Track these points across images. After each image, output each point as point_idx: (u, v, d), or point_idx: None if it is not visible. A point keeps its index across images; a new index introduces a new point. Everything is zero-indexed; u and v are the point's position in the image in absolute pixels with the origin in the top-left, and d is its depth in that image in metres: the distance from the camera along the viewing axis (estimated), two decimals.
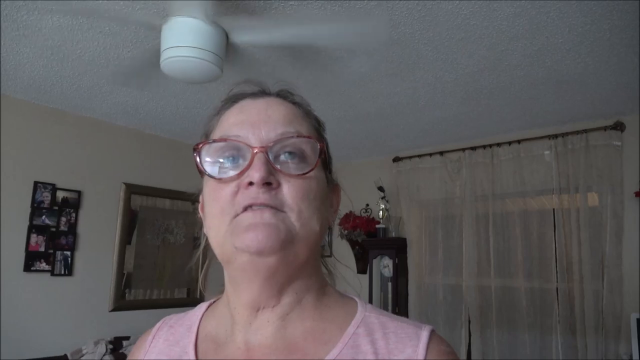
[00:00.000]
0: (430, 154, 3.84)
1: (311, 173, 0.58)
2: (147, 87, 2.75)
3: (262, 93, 0.65)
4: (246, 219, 0.55)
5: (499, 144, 3.49)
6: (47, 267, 3.10)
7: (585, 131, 3.11)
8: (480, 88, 2.69)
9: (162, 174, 3.77)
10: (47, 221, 3.13)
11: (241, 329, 0.60)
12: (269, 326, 0.59)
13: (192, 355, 0.62)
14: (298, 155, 0.58)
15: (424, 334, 0.57)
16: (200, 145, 0.60)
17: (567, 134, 3.19)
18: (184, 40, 1.81)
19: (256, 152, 0.56)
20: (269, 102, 0.63)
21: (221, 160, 0.59)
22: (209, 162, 0.60)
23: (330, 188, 0.66)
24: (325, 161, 0.64)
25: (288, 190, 0.56)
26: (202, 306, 0.71)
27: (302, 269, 0.59)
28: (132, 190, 3.60)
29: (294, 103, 0.65)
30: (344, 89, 2.77)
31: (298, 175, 0.57)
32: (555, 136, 3.23)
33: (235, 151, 0.59)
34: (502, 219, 3.44)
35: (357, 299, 0.65)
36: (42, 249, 3.09)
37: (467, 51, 2.26)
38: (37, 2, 1.91)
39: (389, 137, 3.73)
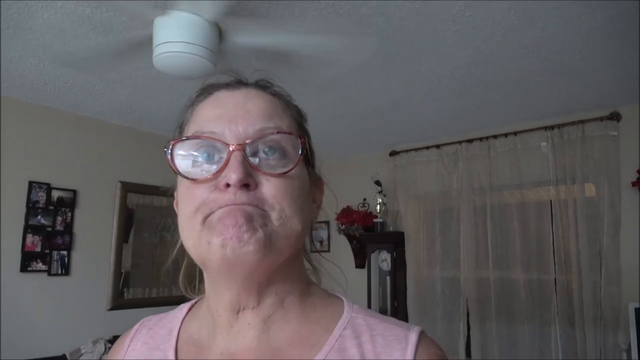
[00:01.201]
0: (427, 147, 3.83)
1: (292, 171, 0.55)
2: (142, 85, 2.72)
3: (240, 83, 0.61)
4: (223, 210, 0.52)
5: (495, 136, 3.48)
6: (43, 267, 3.08)
7: (582, 122, 3.11)
8: (475, 81, 2.68)
9: (158, 171, 3.72)
10: (42, 221, 3.11)
11: (223, 333, 0.58)
12: (251, 329, 0.57)
13: (172, 359, 0.59)
14: (278, 152, 0.55)
15: (413, 336, 0.55)
16: (173, 143, 0.56)
17: (563, 125, 3.18)
18: (177, 35, 1.79)
19: (233, 151, 0.53)
20: (247, 94, 0.59)
21: (195, 156, 0.55)
22: (182, 159, 0.56)
23: (312, 183, 0.63)
24: (307, 156, 0.61)
25: (268, 190, 0.53)
26: (184, 308, 0.68)
27: (282, 269, 0.57)
28: (128, 188, 3.58)
29: (274, 94, 0.61)
30: (338, 85, 2.75)
31: (279, 174, 0.54)
32: (552, 127, 3.23)
33: (210, 148, 0.55)
34: (500, 212, 3.44)
35: (343, 298, 0.62)
36: (39, 249, 3.07)
37: (461, 44, 2.24)
38: (28, 2, 1.88)
39: (385, 131, 3.71)
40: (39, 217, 3.09)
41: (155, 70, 1.98)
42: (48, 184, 3.15)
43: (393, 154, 4.02)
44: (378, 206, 3.95)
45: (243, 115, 0.56)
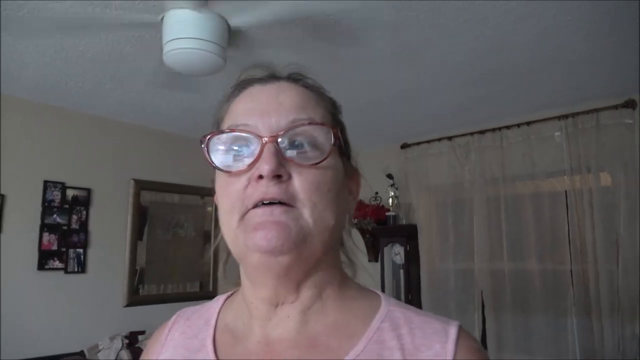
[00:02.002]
0: (439, 139, 3.80)
1: (325, 162, 0.55)
2: (153, 83, 2.73)
3: (272, 77, 0.62)
4: (256, 216, 0.53)
5: (508, 127, 3.44)
6: (60, 265, 3.13)
7: (596, 110, 3.06)
8: (487, 71, 2.65)
9: (171, 169, 3.77)
10: (58, 220, 3.15)
11: (260, 324, 0.59)
12: (290, 321, 0.57)
13: (210, 348, 0.61)
14: (311, 143, 0.55)
15: (452, 330, 0.55)
16: (208, 137, 0.58)
17: (577, 114, 3.14)
18: (185, 31, 1.79)
19: (265, 142, 0.54)
20: (279, 87, 0.60)
21: (232, 148, 0.57)
22: (218, 153, 0.57)
23: (348, 175, 0.63)
24: (341, 147, 0.61)
25: (300, 183, 0.54)
26: (220, 299, 0.69)
27: (319, 263, 0.57)
28: (141, 186, 3.61)
29: (306, 86, 0.62)
30: (347, 77, 2.74)
31: (310, 165, 0.54)
32: (566, 116, 3.18)
33: (244, 141, 0.56)
34: (514, 202, 3.41)
35: (379, 293, 0.63)
36: (55, 247, 3.12)
37: (472, 33, 2.21)
38: (38, 2, 1.90)
39: (396, 124, 3.69)
40: (54, 215, 3.13)
41: (163, 68, 1.98)
42: (63, 183, 3.19)
43: (404, 146, 4.00)
44: (390, 199, 3.93)
45: (275, 107, 0.57)
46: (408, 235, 3.80)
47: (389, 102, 3.19)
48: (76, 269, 3.20)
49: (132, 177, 3.57)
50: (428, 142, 3.86)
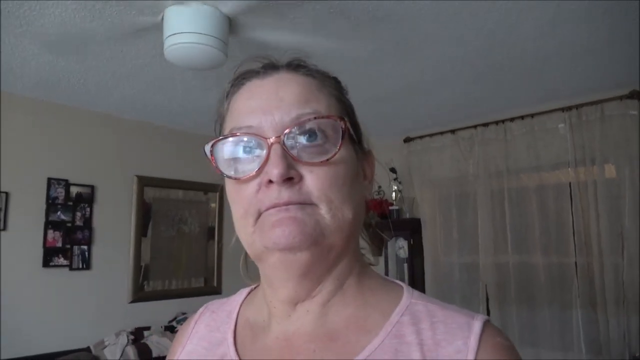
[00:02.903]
0: (442, 133, 3.79)
1: (336, 157, 0.53)
2: (155, 79, 2.73)
3: (271, 68, 0.59)
4: (272, 215, 0.52)
5: (511, 119, 3.43)
6: (65, 262, 3.14)
7: (601, 102, 3.04)
8: (490, 64, 2.63)
9: (174, 165, 3.77)
10: (62, 217, 3.16)
11: (279, 321, 0.58)
12: (309, 315, 0.56)
13: (231, 341, 0.61)
14: (319, 137, 0.53)
15: (477, 324, 0.52)
16: (212, 144, 0.56)
17: (581, 105, 3.12)
18: (185, 26, 1.79)
19: (272, 144, 0.51)
20: (278, 80, 0.57)
21: (238, 153, 0.55)
22: (224, 160, 0.55)
23: (361, 158, 0.60)
24: (351, 134, 0.58)
25: (313, 181, 0.52)
26: (243, 292, 0.69)
27: (341, 256, 0.56)
28: (144, 182, 3.61)
29: (308, 74, 0.59)
30: (348, 71, 2.72)
31: (321, 162, 0.52)
32: (570, 108, 3.16)
33: (249, 144, 0.54)
34: (518, 195, 3.39)
35: (403, 285, 0.60)
36: (60, 244, 3.12)
37: (474, 27, 2.20)
38: (39, 2, 1.90)
39: (399, 117, 3.68)
40: (58, 212, 3.14)
41: (164, 64, 1.97)
42: (66, 180, 3.20)
43: (407, 140, 3.99)
44: (393, 193, 3.93)
45: (277, 104, 0.54)
46: (412, 229, 3.80)
47: (392, 96, 3.18)
48: (81, 266, 3.21)
49: (136, 173, 3.57)
50: (431, 135, 3.84)
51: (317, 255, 0.53)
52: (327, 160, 0.53)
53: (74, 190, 3.23)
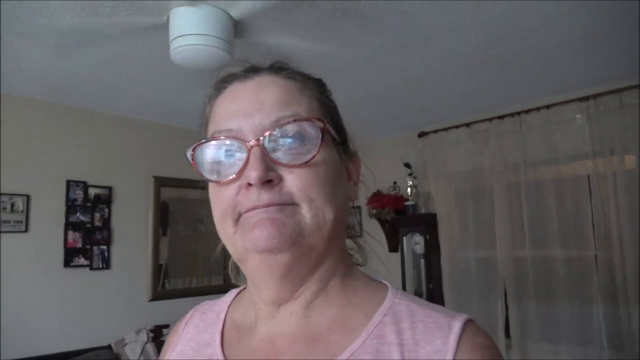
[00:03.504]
0: (457, 126, 3.74)
1: (315, 158, 0.53)
2: (166, 81, 2.77)
3: (252, 71, 0.59)
4: (251, 217, 0.52)
5: (527, 111, 3.36)
6: (85, 262, 3.21)
7: (619, 90, 2.96)
8: (499, 55, 2.58)
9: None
10: (81, 218, 3.23)
11: (264, 322, 0.59)
12: (292, 316, 0.57)
13: (218, 342, 0.61)
14: (298, 140, 0.53)
15: (456, 324, 0.51)
16: (193, 147, 0.56)
17: (599, 95, 3.04)
18: (192, 28, 1.81)
19: (251, 147, 0.52)
20: (259, 83, 0.57)
21: (219, 156, 0.55)
22: (206, 163, 0.56)
23: (345, 160, 0.60)
24: (333, 135, 0.58)
25: (293, 182, 0.52)
26: (232, 293, 0.70)
27: (323, 256, 0.56)
28: (161, 182, 3.67)
29: (289, 77, 0.59)
30: (357, 66, 2.71)
31: (301, 164, 0.52)
32: (587, 98, 3.09)
33: (230, 147, 0.55)
34: (535, 188, 3.33)
35: (388, 284, 0.60)
36: (80, 244, 3.20)
37: (481, 17, 2.16)
38: (49, 3, 1.94)
39: (412, 111, 3.65)
40: (78, 214, 3.22)
41: (176, 65, 2.00)
42: (84, 182, 3.27)
43: (422, 135, 3.95)
44: (409, 189, 3.90)
45: (257, 107, 0.55)
46: (428, 224, 3.76)
47: (404, 89, 3.15)
48: (101, 266, 3.29)
49: (152, 174, 3.63)
50: (446, 129, 3.80)
51: (298, 256, 0.53)
52: (307, 162, 0.53)
53: (92, 191, 3.30)
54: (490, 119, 3.55)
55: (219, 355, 0.59)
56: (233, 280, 0.68)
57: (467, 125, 3.68)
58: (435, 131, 3.87)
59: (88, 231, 3.24)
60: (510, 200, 3.43)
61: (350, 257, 0.64)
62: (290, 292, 0.56)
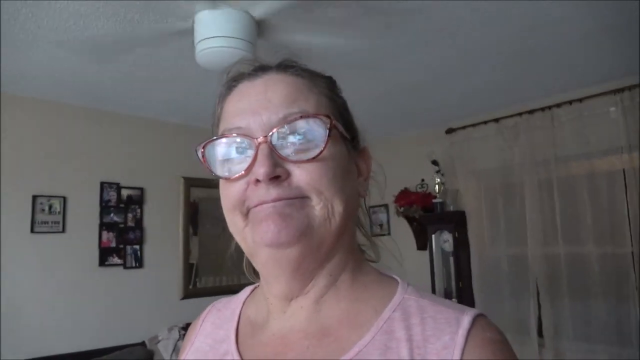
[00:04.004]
0: (485, 122, 3.68)
1: (323, 154, 0.54)
2: (192, 83, 2.82)
3: (261, 70, 0.60)
4: (260, 212, 0.53)
5: (558, 105, 3.28)
6: (119, 261, 3.31)
7: None
8: (529, 47, 2.53)
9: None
10: (115, 218, 3.33)
11: (276, 317, 0.60)
12: (303, 311, 0.58)
13: (233, 338, 0.63)
14: (306, 136, 0.54)
15: (466, 320, 0.51)
16: (203, 145, 0.58)
17: (634, 86, 2.93)
18: (217, 30, 1.84)
19: (259, 144, 0.53)
20: (267, 81, 0.58)
21: (229, 153, 0.57)
22: (216, 159, 0.57)
23: (355, 155, 0.61)
24: (341, 131, 0.58)
25: (301, 176, 0.53)
26: (247, 290, 0.71)
27: (333, 250, 0.57)
28: (190, 183, 3.74)
29: (297, 74, 0.59)
30: (385, 62, 2.70)
31: (308, 160, 0.53)
32: (621, 90, 2.99)
33: (239, 144, 0.56)
34: (567, 183, 3.25)
35: (398, 280, 0.60)
36: (113, 244, 3.30)
37: (510, 9, 2.12)
38: (82, 12, 2.00)
39: (440, 107, 3.61)
40: (111, 214, 3.32)
41: (200, 67, 2.04)
42: (117, 184, 3.37)
43: (449, 131, 3.90)
44: (437, 186, 3.86)
45: (265, 105, 0.56)
46: (456, 222, 3.72)
47: (431, 85, 3.12)
48: (134, 264, 3.38)
49: (182, 174, 3.70)
50: (474, 125, 3.74)
51: (307, 250, 0.54)
52: (314, 158, 0.53)
53: (124, 192, 3.40)
54: (520, 114, 3.47)
55: (234, 351, 0.61)
56: (248, 276, 0.69)
57: (496, 120, 3.62)
58: (464, 127, 3.81)
59: (121, 231, 3.34)
60: (541, 197, 3.35)
61: (361, 253, 0.64)
62: (301, 287, 0.57)
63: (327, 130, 0.55)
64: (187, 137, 3.77)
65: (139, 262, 3.41)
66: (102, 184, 3.31)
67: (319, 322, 0.57)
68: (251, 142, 0.54)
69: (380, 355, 0.51)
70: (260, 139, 0.53)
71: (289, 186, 0.53)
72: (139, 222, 3.44)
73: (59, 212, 3.09)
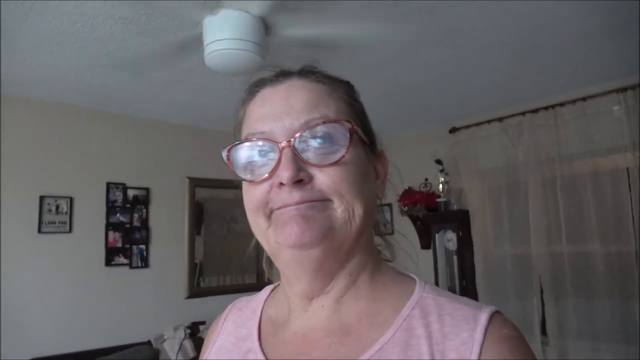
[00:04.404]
0: (489, 121, 3.68)
1: (345, 157, 0.55)
2: (198, 84, 2.84)
3: (283, 75, 0.62)
4: (283, 214, 0.55)
5: (562, 104, 3.29)
6: (125, 261, 3.34)
7: None
8: (533, 46, 2.54)
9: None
10: (121, 218, 3.35)
11: (297, 316, 0.61)
12: (324, 310, 0.59)
13: (255, 336, 0.64)
14: (327, 141, 0.56)
15: (483, 317, 0.52)
16: (228, 148, 0.60)
17: (637, 85, 2.94)
18: (226, 33, 1.86)
19: (283, 148, 0.55)
20: (289, 87, 0.60)
21: (253, 157, 0.58)
22: (238, 161, 0.59)
23: (373, 159, 0.63)
24: (360, 136, 0.60)
25: (324, 180, 0.55)
26: (267, 289, 0.73)
27: (352, 251, 0.59)
28: (195, 183, 3.77)
29: (318, 81, 0.61)
30: (388, 61, 2.71)
31: (330, 164, 0.55)
32: (625, 89, 2.99)
33: (262, 148, 0.58)
34: (571, 182, 3.25)
35: (416, 278, 0.62)
36: (119, 244, 3.32)
37: (515, 9, 2.13)
38: (88, 9, 2.02)
39: (444, 106, 3.62)
40: (117, 214, 3.34)
41: (207, 69, 2.06)
42: (124, 184, 3.39)
43: (453, 130, 3.91)
44: (440, 185, 3.87)
45: (287, 110, 0.57)
46: (460, 221, 3.73)
47: (434, 84, 3.13)
48: (140, 264, 3.40)
49: (187, 175, 3.73)
50: (477, 124, 3.75)
51: (329, 251, 0.55)
52: (336, 162, 0.55)
53: (130, 193, 3.42)
54: (524, 113, 3.48)
55: (257, 349, 0.62)
56: (267, 275, 0.71)
57: (500, 120, 3.62)
58: (467, 126, 3.82)
59: (127, 231, 3.36)
60: (545, 196, 3.36)
61: (379, 253, 0.66)
62: (322, 286, 0.59)
63: (349, 135, 0.56)
64: (192, 137, 3.80)
65: (145, 262, 3.43)
66: (108, 184, 3.33)
67: (339, 321, 0.58)
68: (274, 146, 0.56)
69: (401, 352, 0.53)
70: (284, 144, 0.55)
71: (312, 189, 0.55)
72: (144, 222, 3.46)
73: (66, 213, 3.12)
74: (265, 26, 2.01)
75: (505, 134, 3.59)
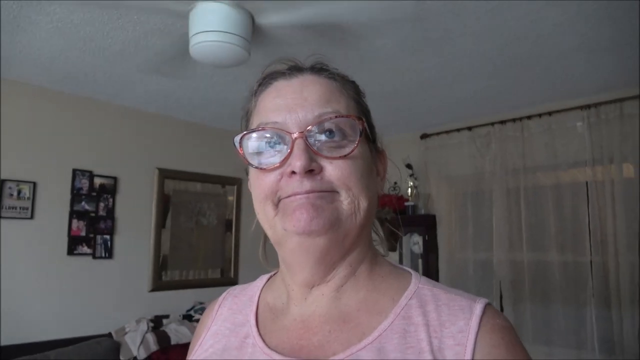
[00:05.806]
0: (459, 130, 3.79)
1: (354, 152, 0.58)
2: (177, 74, 2.80)
3: (296, 69, 0.64)
4: (293, 202, 0.57)
5: (529, 117, 3.42)
6: (88, 251, 3.24)
7: (620, 100, 3.02)
8: (509, 60, 2.64)
9: (193, 158, 3.86)
10: (86, 207, 3.26)
11: (297, 304, 0.63)
12: (324, 298, 0.61)
13: (253, 322, 0.66)
14: (338, 135, 0.58)
15: (478, 307, 0.56)
16: (241, 136, 0.61)
17: (600, 103, 3.10)
18: (211, 24, 1.84)
19: (295, 138, 0.57)
20: (303, 81, 0.62)
21: (264, 146, 0.60)
22: (250, 149, 0.60)
23: (375, 157, 0.66)
24: (367, 133, 0.63)
25: (333, 172, 0.57)
26: (263, 278, 0.74)
27: (354, 243, 0.61)
28: (165, 175, 3.70)
29: (330, 77, 0.64)
30: (369, 66, 2.76)
31: (340, 157, 0.58)
32: (588, 107, 3.15)
33: (275, 138, 0.59)
34: (534, 193, 3.40)
35: (411, 272, 0.65)
36: (83, 233, 3.23)
37: (495, 23, 2.21)
38: (70, 1, 1.97)
39: (416, 113, 3.70)
40: (82, 203, 3.24)
41: (186, 60, 2.03)
42: (90, 172, 3.30)
43: (424, 136, 4.00)
44: (409, 189, 3.95)
45: (301, 103, 0.60)
46: (427, 225, 3.82)
47: (409, 91, 3.20)
48: (104, 255, 3.32)
49: (157, 166, 3.66)
50: (448, 132, 3.86)
51: (334, 240, 0.58)
52: (346, 155, 0.58)
53: (97, 181, 3.32)
54: (492, 124, 3.60)
55: (255, 334, 0.64)
56: (262, 261, 0.73)
57: (469, 129, 3.74)
58: (438, 133, 3.92)
59: (92, 220, 3.27)
60: (509, 205, 3.49)
61: (374, 246, 0.69)
62: (323, 275, 0.61)
63: (359, 131, 0.59)
64: (164, 127, 3.73)
65: (109, 253, 3.35)
66: (74, 171, 3.23)
67: (339, 309, 0.61)
68: (287, 136, 0.58)
69: (400, 338, 0.56)
70: (297, 134, 0.57)
71: (321, 180, 0.57)
72: (110, 212, 3.38)
73: (28, 198, 3.00)
74: (252, 19, 2.00)
75: (474, 143, 3.70)
